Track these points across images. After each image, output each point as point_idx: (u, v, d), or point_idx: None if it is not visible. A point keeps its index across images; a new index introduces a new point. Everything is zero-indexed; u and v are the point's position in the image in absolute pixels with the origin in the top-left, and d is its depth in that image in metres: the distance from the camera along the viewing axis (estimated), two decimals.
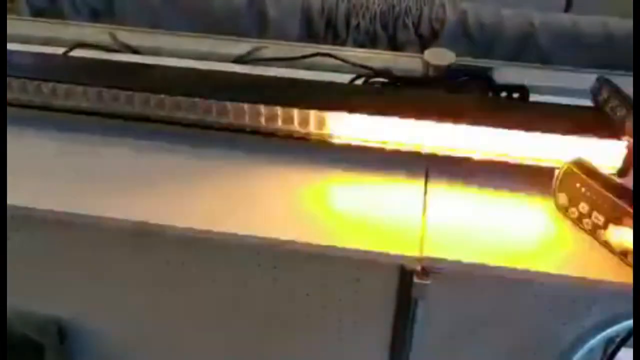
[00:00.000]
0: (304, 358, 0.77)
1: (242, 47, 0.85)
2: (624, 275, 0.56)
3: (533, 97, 0.68)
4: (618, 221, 0.55)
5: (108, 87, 0.70)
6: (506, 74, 0.75)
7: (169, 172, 0.69)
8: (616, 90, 0.62)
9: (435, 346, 0.71)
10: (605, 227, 0.57)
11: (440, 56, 0.76)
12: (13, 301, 0.77)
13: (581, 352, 0.66)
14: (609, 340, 0.65)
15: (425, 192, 0.65)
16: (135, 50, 0.86)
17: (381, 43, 0.97)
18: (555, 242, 0.60)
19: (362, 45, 0.96)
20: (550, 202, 0.63)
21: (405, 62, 0.81)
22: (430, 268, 0.59)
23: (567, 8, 1.05)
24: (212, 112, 0.68)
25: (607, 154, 0.62)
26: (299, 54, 0.83)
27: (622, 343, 0.64)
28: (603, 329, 0.64)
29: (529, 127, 0.63)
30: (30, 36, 0.88)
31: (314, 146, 0.68)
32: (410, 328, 0.69)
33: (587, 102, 0.67)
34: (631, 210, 0.55)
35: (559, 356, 0.68)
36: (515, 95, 0.66)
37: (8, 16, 0.88)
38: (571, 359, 0.67)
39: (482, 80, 0.71)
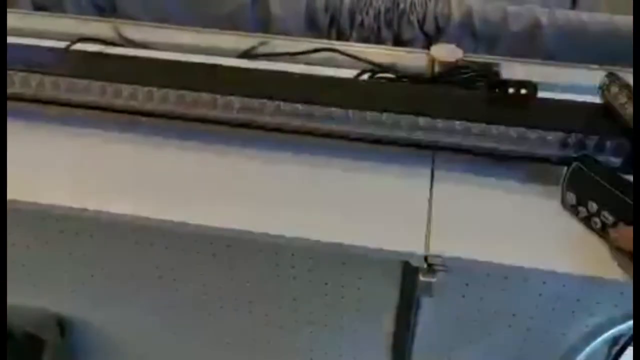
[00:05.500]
0: (305, 356, 0.77)
1: (247, 42, 0.84)
2: (631, 275, 0.56)
3: (540, 94, 0.67)
4: (628, 220, 0.55)
5: (111, 81, 0.69)
6: (513, 70, 0.74)
7: (172, 166, 0.68)
8: (625, 86, 0.61)
9: (438, 344, 0.70)
10: (614, 226, 0.56)
11: (447, 52, 0.75)
12: (13, 297, 0.77)
13: (586, 351, 0.66)
14: (614, 340, 0.65)
15: (431, 188, 0.65)
16: (138, 45, 0.85)
17: (385, 40, 0.97)
18: (562, 241, 0.60)
19: (366, 42, 0.96)
20: (558, 200, 0.63)
21: (412, 58, 0.81)
22: (436, 266, 0.59)
23: (573, 4, 1.04)
24: (217, 107, 0.68)
25: (616, 151, 0.61)
26: (304, 49, 0.82)
27: (628, 343, 0.64)
28: (608, 328, 0.64)
29: (537, 123, 0.63)
30: (31, 30, 0.88)
31: (319, 141, 0.68)
32: (413, 326, 0.68)
33: (595, 99, 0.66)
34: None
35: (563, 355, 0.67)
36: (523, 91, 0.65)
37: (9, 10, 0.87)
38: (575, 358, 0.67)
39: (489, 76, 0.71)
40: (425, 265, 0.59)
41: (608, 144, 0.61)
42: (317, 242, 0.60)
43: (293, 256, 0.66)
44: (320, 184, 0.65)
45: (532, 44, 0.91)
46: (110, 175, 0.67)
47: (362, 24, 0.96)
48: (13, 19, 0.87)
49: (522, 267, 0.57)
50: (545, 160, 0.63)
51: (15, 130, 0.70)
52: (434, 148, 0.66)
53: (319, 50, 0.82)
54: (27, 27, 0.87)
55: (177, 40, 0.85)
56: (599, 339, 0.65)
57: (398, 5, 0.95)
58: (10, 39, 0.77)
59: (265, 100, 0.66)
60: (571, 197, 0.61)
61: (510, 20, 0.91)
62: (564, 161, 0.62)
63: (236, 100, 0.67)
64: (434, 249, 0.58)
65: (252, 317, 0.75)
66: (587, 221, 0.60)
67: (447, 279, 0.60)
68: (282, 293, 0.70)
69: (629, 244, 0.55)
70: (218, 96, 0.67)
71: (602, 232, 0.58)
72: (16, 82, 0.70)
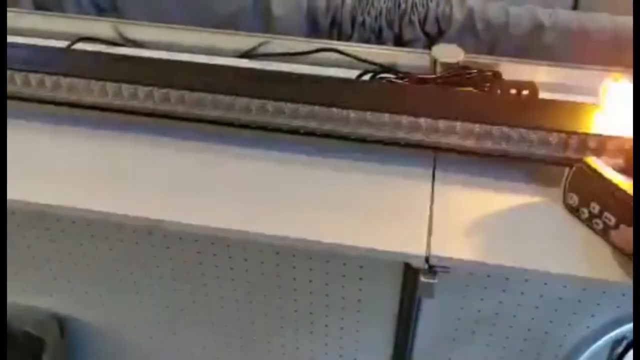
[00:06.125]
0: (306, 356, 0.77)
1: (247, 42, 0.84)
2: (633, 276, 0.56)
3: (542, 95, 0.67)
4: (630, 221, 0.55)
5: (111, 81, 0.69)
6: (514, 71, 0.74)
7: (172, 166, 0.68)
8: (626, 87, 0.61)
9: (438, 345, 0.70)
10: (616, 227, 0.56)
11: (449, 53, 0.75)
12: (13, 297, 0.77)
13: (587, 353, 0.66)
14: (616, 342, 0.65)
15: (432, 189, 0.65)
16: (138, 44, 0.85)
17: (387, 40, 0.97)
18: (563, 242, 0.59)
19: (367, 43, 0.95)
20: (559, 201, 0.62)
21: (413, 59, 0.80)
22: (437, 267, 0.59)
23: (575, 5, 1.04)
24: (217, 107, 0.68)
25: (618, 153, 0.61)
26: (306, 50, 0.82)
27: (630, 345, 0.64)
28: (610, 330, 0.64)
29: (538, 124, 0.62)
30: (32, 29, 0.87)
31: (319, 142, 0.68)
32: (414, 326, 0.68)
33: (596, 100, 0.66)
34: None
35: (564, 357, 0.67)
36: (525, 92, 0.65)
37: (10, 9, 0.87)
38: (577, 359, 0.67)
39: (490, 77, 0.71)
40: (426, 266, 0.59)
41: (609, 145, 0.61)
42: (317, 243, 0.60)
43: (294, 257, 0.66)
44: (320, 184, 0.65)
45: (534, 44, 0.90)
46: (110, 175, 0.67)
47: (363, 24, 0.96)
48: (14, 19, 0.87)
49: (523, 268, 0.57)
50: (546, 161, 0.63)
51: (15, 130, 0.70)
52: (435, 149, 0.66)
53: (319, 50, 0.82)
54: (27, 26, 0.87)
55: (177, 40, 0.85)
56: (601, 341, 0.65)
57: (399, 5, 0.95)
58: (11, 39, 0.77)
59: (265, 101, 0.66)
60: (573, 199, 0.60)
61: (511, 21, 0.91)
62: (566, 162, 0.62)
63: (237, 101, 0.67)
64: (435, 250, 0.58)
65: (252, 317, 0.74)
66: (588, 222, 0.60)
67: (448, 280, 0.60)
68: (283, 293, 0.70)
69: (629, 246, 0.55)
70: (218, 96, 0.67)
71: (604, 233, 0.58)
72: (17, 81, 0.70)
